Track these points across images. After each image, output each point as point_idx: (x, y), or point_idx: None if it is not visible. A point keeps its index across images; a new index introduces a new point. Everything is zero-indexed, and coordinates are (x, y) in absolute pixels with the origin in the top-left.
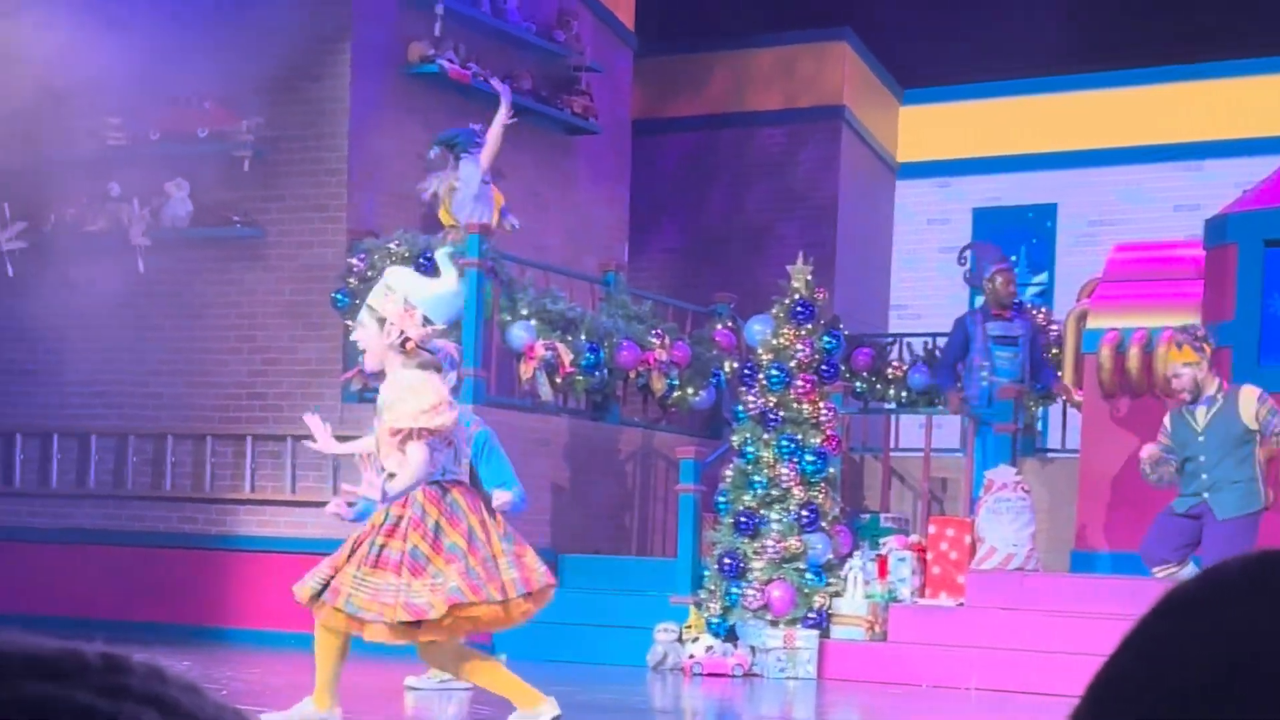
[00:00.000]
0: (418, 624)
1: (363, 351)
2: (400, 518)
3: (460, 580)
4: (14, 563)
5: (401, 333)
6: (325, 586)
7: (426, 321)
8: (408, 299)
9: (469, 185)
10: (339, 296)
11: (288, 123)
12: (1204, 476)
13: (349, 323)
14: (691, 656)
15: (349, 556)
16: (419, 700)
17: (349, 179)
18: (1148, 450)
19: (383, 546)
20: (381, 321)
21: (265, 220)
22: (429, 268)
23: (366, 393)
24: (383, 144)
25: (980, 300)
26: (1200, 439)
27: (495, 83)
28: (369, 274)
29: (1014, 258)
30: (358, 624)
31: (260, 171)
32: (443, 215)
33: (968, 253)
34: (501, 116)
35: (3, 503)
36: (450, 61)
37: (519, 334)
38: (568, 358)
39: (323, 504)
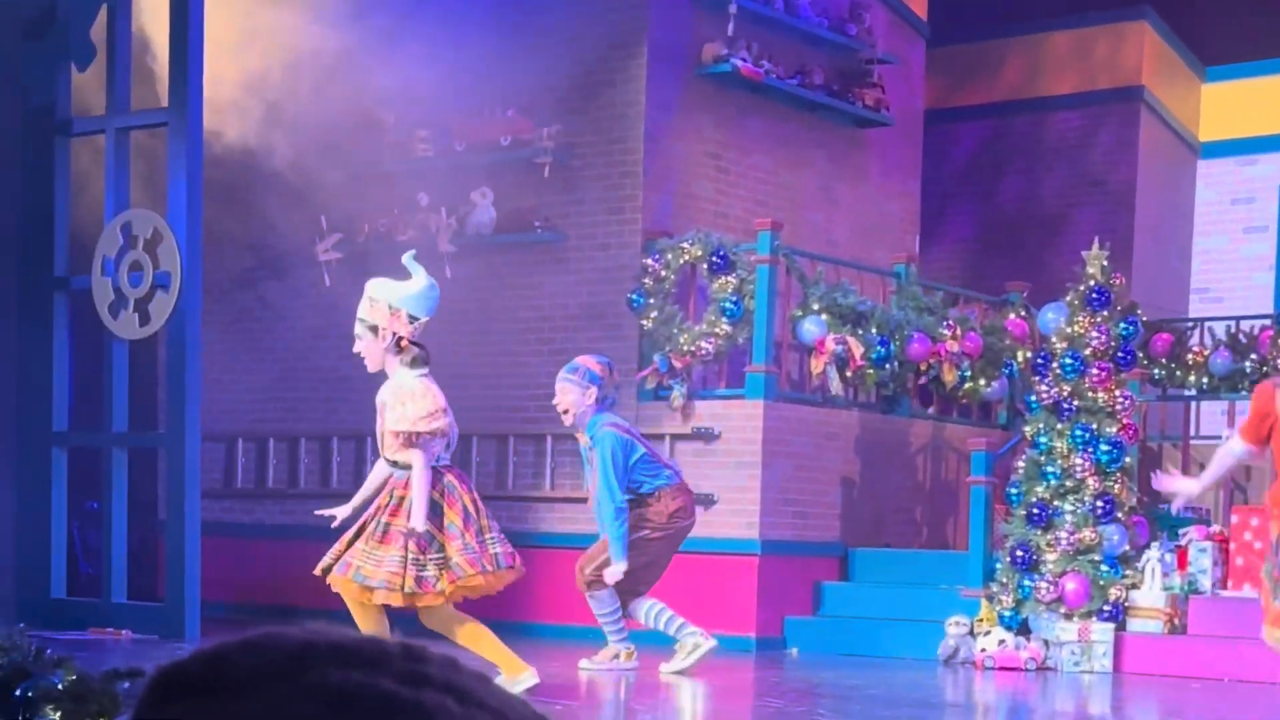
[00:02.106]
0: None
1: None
2: (403, 498)
3: (460, 556)
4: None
5: (394, 334)
6: (336, 561)
7: (412, 319)
8: (391, 304)
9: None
10: (634, 297)
11: (585, 128)
12: None
13: (644, 323)
14: (983, 650)
15: (358, 534)
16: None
17: (644, 181)
18: None
19: (388, 524)
20: (374, 329)
21: (565, 224)
22: (723, 266)
23: (661, 390)
24: (676, 145)
25: None
26: None
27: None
28: (664, 274)
29: None
30: (368, 592)
31: (560, 177)
32: None
33: None
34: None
35: (322, 504)
36: (743, 60)
37: (810, 329)
38: (858, 351)
39: None
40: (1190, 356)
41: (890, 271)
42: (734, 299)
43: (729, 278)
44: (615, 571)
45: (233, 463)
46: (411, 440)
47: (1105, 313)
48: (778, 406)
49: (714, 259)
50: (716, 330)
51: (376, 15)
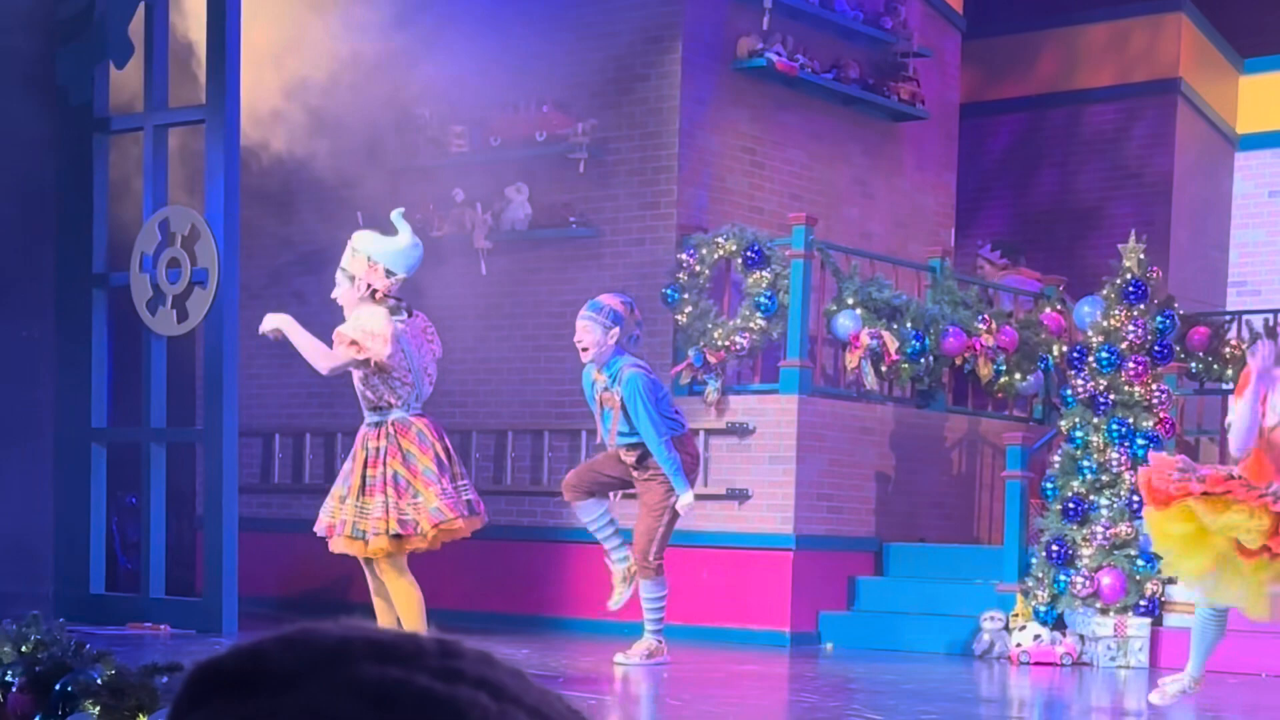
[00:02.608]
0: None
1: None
2: (377, 449)
3: (439, 501)
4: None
5: (369, 285)
6: (336, 522)
7: (389, 274)
8: (371, 256)
9: None
10: (669, 292)
11: (620, 122)
12: None
13: (679, 318)
14: (1018, 645)
15: (345, 493)
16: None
17: (679, 175)
18: None
19: (367, 476)
20: (352, 279)
21: (599, 220)
22: (758, 260)
23: (696, 385)
24: (711, 139)
25: None
26: None
27: None
28: (698, 269)
29: None
30: (363, 544)
31: (595, 172)
32: None
33: None
34: None
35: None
36: (778, 55)
37: (845, 323)
38: (893, 346)
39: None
40: (1227, 350)
41: (925, 266)
42: (768, 294)
43: (763, 272)
44: (686, 501)
45: (270, 458)
46: (346, 343)
47: (1142, 306)
48: (812, 401)
49: (748, 254)
50: (751, 325)
51: (412, 13)
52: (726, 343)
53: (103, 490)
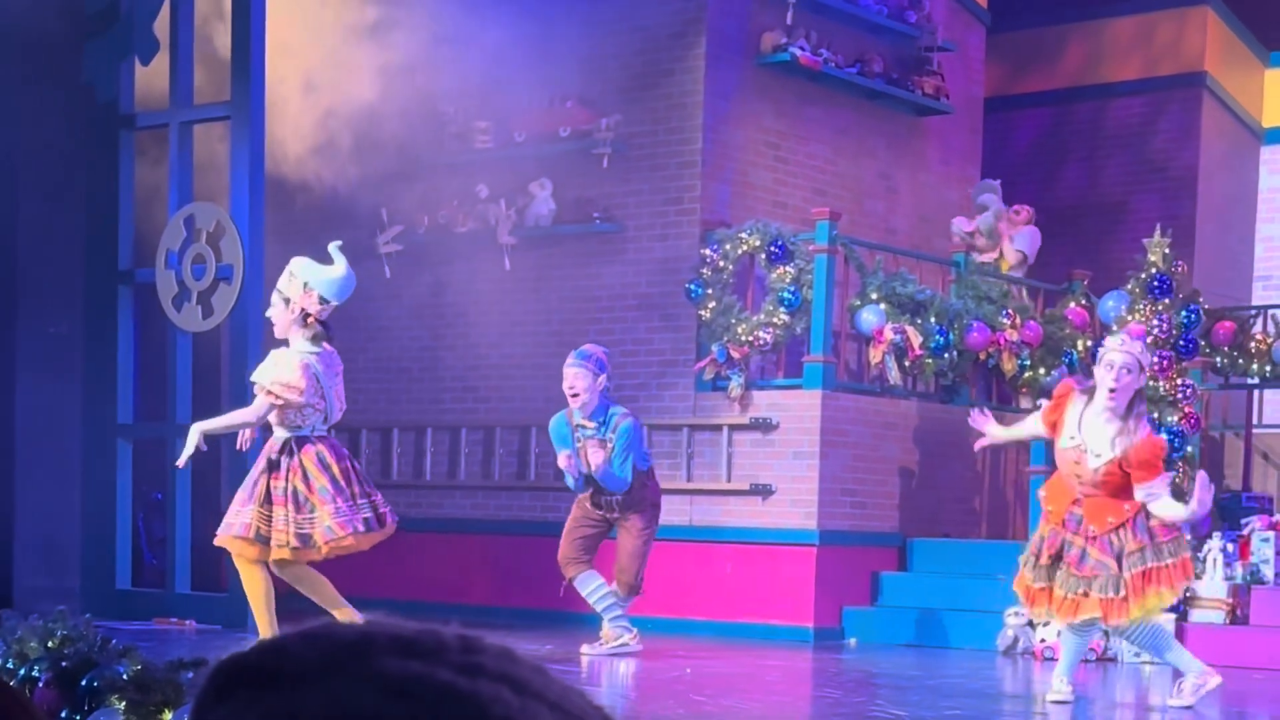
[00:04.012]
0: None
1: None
2: (278, 463)
3: (331, 520)
4: (393, 551)
5: (302, 310)
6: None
7: (323, 301)
8: (309, 283)
9: None
10: (693, 287)
11: (643, 118)
12: None
13: (702, 313)
14: (1042, 641)
15: (249, 498)
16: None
17: (703, 171)
18: None
19: (269, 486)
20: (287, 301)
21: (623, 215)
22: (781, 256)
23: (719, 381)
24: (734, 134)
25: None
26: None
27: None
28: (722, 264)
29: None
30: (254, 547)
31: (618, 167)
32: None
33: None
34: None
35: (384, 495)
36: (802, 49)
37: (869, 318)
38: (917, 341)
39: (677, 492)
40: (1253, 344)
41: (949, 260)
42: (792, 289)
43: (787, 267)
44: (562, 461)
45: None
46: (261, 393)
47: (1167, 301)
48: (836, 396)
49: (772, 249)
50: (774, 320)
51: (437, 8)
52: (750, 338)
53: (129, 486)
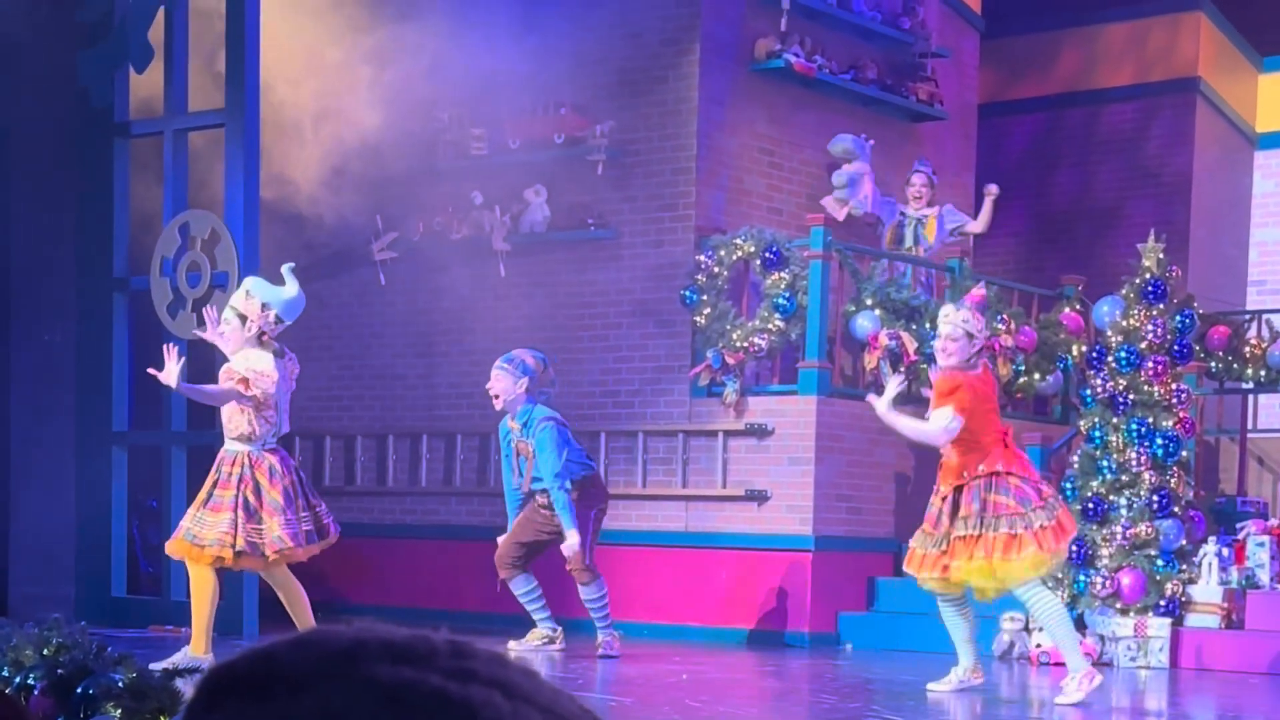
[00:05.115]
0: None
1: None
2: (230, 474)
3: (281, 531)
4: (388, 558)
5: (259, 328)
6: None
7: (278, 320)
8: (264, 303)
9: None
10: (687, 293)
11: (638, 124)
12: None
13: (697, 319)
14: (1038, 646)
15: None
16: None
17: (697, 177)
18: None
19: (215, 495)
20: (243, 319)
21: (618, 221)
22: (776, 262)
23: (714, 387)
24: (729, 141)
25: None
26: None
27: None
28: (717, 270)
29: None
30: (197, 550)
31: (613, 174)
32: None
33: None
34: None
35: (377, 501)
36: (796, 55)
37: (863, 324)
38: (912, 346)
39: (672, 498)
40: (1247, 349)
41: (944, 266)
42: (787, 295)
43: (782, 273)
44: (571, 544)
45: None
46: (236, 381)
47: (1161, 306)
48: (831, 402)
49: (767, 255)
50: (769, 326)
51: (431, 14)
52: (745, 344)
53: (124, 493)
